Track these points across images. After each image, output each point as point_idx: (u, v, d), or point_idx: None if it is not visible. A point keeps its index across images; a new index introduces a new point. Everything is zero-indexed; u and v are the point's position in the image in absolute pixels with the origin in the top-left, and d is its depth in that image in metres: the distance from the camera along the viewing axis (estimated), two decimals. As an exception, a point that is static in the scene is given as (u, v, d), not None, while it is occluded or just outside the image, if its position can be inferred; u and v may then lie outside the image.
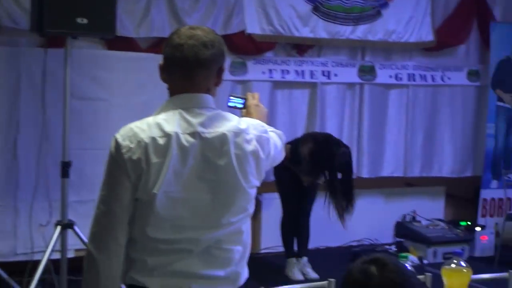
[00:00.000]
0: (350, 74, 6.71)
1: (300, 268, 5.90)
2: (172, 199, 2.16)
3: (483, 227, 6.98)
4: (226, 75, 6.30)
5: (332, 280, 2.92)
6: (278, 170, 5.83)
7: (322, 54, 6.65)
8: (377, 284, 1.88)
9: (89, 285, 2.21)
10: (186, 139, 2.17)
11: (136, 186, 2.14)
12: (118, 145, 2.15)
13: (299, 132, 6.57)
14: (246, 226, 2.31)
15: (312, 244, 6.19)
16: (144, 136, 2.15)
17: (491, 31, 7.11)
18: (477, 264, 6.29)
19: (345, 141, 6.75)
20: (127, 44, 5.72)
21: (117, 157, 2.15)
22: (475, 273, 3.21)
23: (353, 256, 6.15)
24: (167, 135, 2.15)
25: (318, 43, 6.53)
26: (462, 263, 2.43)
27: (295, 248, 6.00)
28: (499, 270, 3.89)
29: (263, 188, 6.44)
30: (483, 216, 7.16)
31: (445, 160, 7.29)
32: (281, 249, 6.25)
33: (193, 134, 2.18)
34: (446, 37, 7.01)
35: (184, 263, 2.19)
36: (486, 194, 7.18)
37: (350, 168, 5.88)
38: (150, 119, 2.21)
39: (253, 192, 2.27)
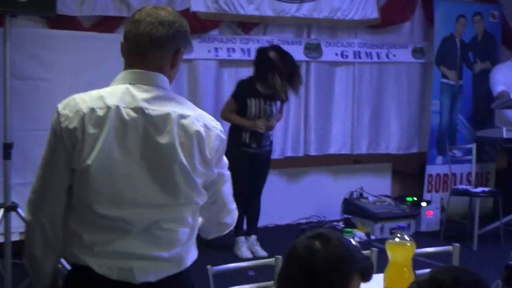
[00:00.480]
0: (296, 52, 6.66)
1: (248, 246, 5.90)
2: (110, 173, 2.12)
3: (429, 202, 7.08)
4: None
5: (279, 257, 2.92)
6: (230, 149, 5.79)
7: (267, 32, 6.62)
8: (321, 259, 1.88)
9: (26, 251, 2.23)
10: (127, 113, 2.14)
11: (71, 155, 2.12)
12: (58, 114, 2.15)
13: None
14: (192, 212, 2.25)
15: (261, 222, 6.20)
16: (84, 107, 2.13)
17: (435, 9, 7.18)
18: (423, 238, 6.41)
19: (292, 119, 6.79)
20: (70, 23, 5.60)
21: (55, 126, 2.15)
22: (421, 247, 3.25)
23: (301, 233, 6.17)
24: (107, 107, 2.13)
25: (263, 20, 6.49)
26: (406, 237, 2.45)
27: (244, 227, 5.99)
28: (444, 244, 3.95)
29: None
30: (429, 191, 7.27)
31: (392, 137, 7.36)
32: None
33: (136, 109, 2.14)
34: (391, 14, 7.05)
35: (124, 243, 2.15)
36: (431, 170, 7.28)
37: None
38: (95, 91, 2.19)
39: (200, 181, 2.21)
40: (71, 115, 2.13)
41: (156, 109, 2.15)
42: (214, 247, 6.05)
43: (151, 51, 2.19)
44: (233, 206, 2.46)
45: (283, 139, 6.75)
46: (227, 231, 2.51)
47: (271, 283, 2.94)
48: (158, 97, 2.18)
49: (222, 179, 2.36)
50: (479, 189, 6.67)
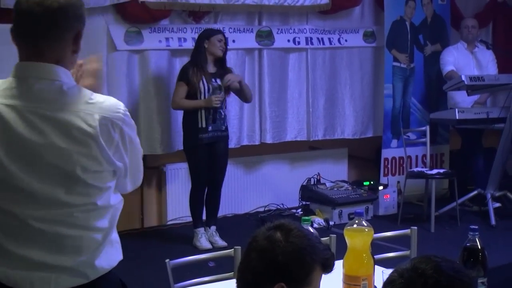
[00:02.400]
0: (248, 40, 6.66)
1: (208, 237, 5.87)
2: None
3: (385, 186, 7.12)
4: (122, 45, 6.18)
5: (238, 248, 2.90)
6: (187, 140, 5.76)
7: (219, 20, 6.56)
8: (283, 250, 1.86)
9: None
10: (3, 109, 2.02)
11: None
12: None
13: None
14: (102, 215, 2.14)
15: (219, 212, 6.17)
16: None
17: (384, -8, 7.20)
18: (381, 222, 6.47)
19: (246, 108, 6.76)
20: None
21: None
22: (379, 230, 3.25)
23: (260, 222, 6.16)
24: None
25: (214, 9, 6.43)
26: (364, 223, 2.44)
27: (203, 218, 5.95)
28: (402, 227, 3.98)
29: (167, 159, 6.42)
30: (385, 175, 7.31)
31: (347, 122, 7.37)
32: (188, 219, 6.20)
33: (12, 106, 2.03)
34: (341, -1, 7.05)
35: (22, 248, 2.05)
36: (387, 153, 7.32)
37: None
38: None
39: (93, 180, 2.08)
40: None
41: (37, 105, 2.03)
42: (172, 240, 6.01)
43: (42, 40, 2.07)
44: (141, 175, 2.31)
45: (239, 128, 6.71)
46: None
47: (231, 274, 2.91)
48: (45, 92, 2.05)
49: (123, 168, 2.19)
50: (434, 171, 6.73)
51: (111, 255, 2.17)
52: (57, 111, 2.03)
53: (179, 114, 6.27)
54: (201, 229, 5.87)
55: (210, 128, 5.71)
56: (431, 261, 1.62)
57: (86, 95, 2.10)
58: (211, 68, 5.79)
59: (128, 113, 2.16)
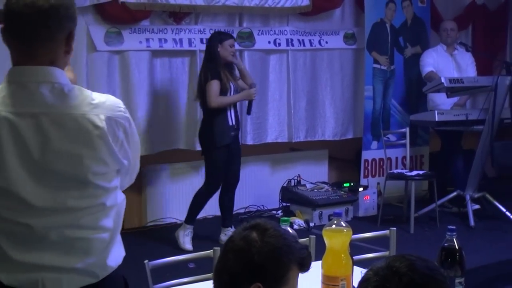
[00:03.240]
0: (229, 41, 6.65)
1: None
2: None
3: (365, 187, 7.15)
4: (102, 46, 6.15)
5: (217, 249, 2.89)
6: (219, 138, 5.76)
7: (199, 21, 6.55)
8: (259, 250, 1.86)
9: None
10: (12, 119, 2.00)
11: None
12: None
13: (181, 101, 6.48)
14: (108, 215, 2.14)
15: (200, 214, 6.16)
16: None
17: (365, -6, 7.23)
18: (361, 223, 6.49)
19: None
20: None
21: None
22: (359, 231, 3.26)
23: (240, 224, 6.15)
24: None
25: (194, 10, 6.41)
26: (342, 223, 2.45)
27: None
28: (382, 228, 3.99)
29: (147, 160, 6.40)
30: (365, 176, 7.33)
31: (327, 124, 7.39)
32: (168, 220, 6.19)
33: (18, 114, 2.00)
34: (322, 1, 7.06)
35: (33, 253, 2.04)
36: (367, 155, 7.34)
37: None
38: None
39: (102, 181, 2.08)
40: None
41: (54, 111, 2.01)
42: (152, 241, 5.99)
43: (37, 40, 2.03)
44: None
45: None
46: None
47: (210, 275, 2.90)
48: (48, 95, 2.02)
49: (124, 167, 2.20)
50: (414, 172, 6.77)
51: (117, 253, 2.18)
52: (63, 116, 2.02)
53: (161, 116, 6.27)
54: (192, 227, 5.86)
55: (235, 126, 5.88)
56: (406, 259, 1.62)
57: (88, 95, 2.09)
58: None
59: (127, 109, 2.18)
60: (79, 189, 2.05)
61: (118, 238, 2.20)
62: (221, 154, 5.81)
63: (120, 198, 2.19)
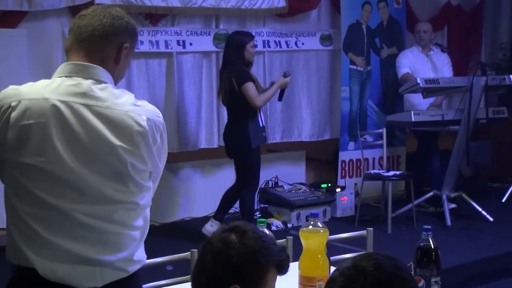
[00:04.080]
0: (206, 43, 6.65)
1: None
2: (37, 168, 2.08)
3: (343, 188, 7.17)
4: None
5: (195, 251, 2.89)
6: (255, 140, 5.82)
7: (176, 23, 6.54)
8: (237, 252, 1.86)
9: None
10: (67, 107, 2.10)
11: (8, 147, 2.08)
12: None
13: (159, 104, 6.46)
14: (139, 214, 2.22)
15: (177, 216, 6.17)
16: (23, 98, 2.10)
17: (341, -4, 7.25)
18: (338, 223, 6.51)
19: (204, 110, 6.75)
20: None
21: None
22: (337, 232, 3.28)
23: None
24: (45, 100, 2.09)
25: (171, 12, 6.41)
26: (319, 224, 2.45)
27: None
28: (359, 228, 4.00)
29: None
30: (343, 177, 7.35)
31: (304, 125, 7.41)
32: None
33: (66, 103, 2.10)
34: (298, 2, 7.08)
35: (70, 244, 2.10)
36: (344, 155, 7.37)
37: None
38: (32, 83, 2.17)
39: (140, 178, 2.16)
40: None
41: (99, 105, 2.11)
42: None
43: (93, 41, 2.17)
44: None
45: (196, 131, 6.70)
46: None
47: (188, 277, 2.90)
48: (98, 90, 2.13)
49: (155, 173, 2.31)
50: (391, 173, 6.80)
51: (142, 252, 2.25)
52: (109, 109, 2.12)
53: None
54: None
55: (264, 127, 5.95)
56: (372, 258, 1.62)
57: (131, 97, 2.21)
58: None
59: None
60: (118, 182, 2.12)
61: (143, 239, 2.26)
62: (256, 155, 5.88)
63: (149, 200, 2.26)
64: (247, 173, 5.89)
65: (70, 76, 2.15)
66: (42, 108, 2.07)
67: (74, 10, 5.89)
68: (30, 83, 2.15)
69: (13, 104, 2.07)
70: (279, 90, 6.00)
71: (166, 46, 6.42)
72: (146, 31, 6.32)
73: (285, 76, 5.96)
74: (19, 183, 2.08)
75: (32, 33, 5.70)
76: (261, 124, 5.88)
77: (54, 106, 2.08)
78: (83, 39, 2.18)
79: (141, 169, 2.16)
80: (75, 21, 2.21)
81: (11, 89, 2.12)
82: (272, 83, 6.02)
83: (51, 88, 2.11)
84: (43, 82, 2.15)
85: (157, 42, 6.37)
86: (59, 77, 2.16)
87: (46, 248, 2.08)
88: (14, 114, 2.06)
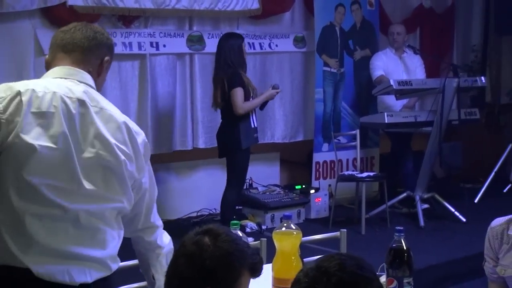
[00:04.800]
0: (179, 44, 6.62)
1: None
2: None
3: (317, 189, 7.18)
4: (50, 50, 6.02)
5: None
6: (246, 140, 5.88)
7: (149, 25, 6.51)
8: (211, 255, 1.85)
9: None
10: (70, 102, 2.19)
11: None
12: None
13: (132, 106, 6.43)
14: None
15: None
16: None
17: (314, -2, 7.27)
18: (313, 225, 6.52)
19: (178, 111, 6.73)
20: None
21: None
22: (311, 234, 3.29)
23: (193, 228, 6.13)
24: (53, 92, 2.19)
25: (144, 13, 6.37)
26: (292, 226, 2.46)
27: None
28: (333, 230, 4.01)
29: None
30: (317, 179, 7.36)
31: (277, 126, 7.41)
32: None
33: (77, 100, 2.21)
34: (271, 4, 7.08)
35: (62, 239, 2.14)
36: (318, 157, 7.38)
37: None
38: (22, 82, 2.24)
39: (129, 178, 2.26)
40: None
41: (97, 106, 2.22)
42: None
43: (79, 52, 2.28)
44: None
45: (170, 133, 6.67)
46: None
47: (162, 280, 2.88)
48: (93, 93, 2.24)
49: (143, 186, 2.38)
50: (365, 174, 6.83)
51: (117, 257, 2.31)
52: (106, 110, 2.24)
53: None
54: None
55: (257, 128, 6.02)
56: (335, 259, 1.63)
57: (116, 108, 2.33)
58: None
59: None
60: (111, 178, 2.20)
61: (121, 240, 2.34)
62: (245, 156, 5.92)
63: (131, 205, 2.31)
64: (234, 173, 5.97)
65: (66, 78, 2.24)
66: (53, 99, 2.14)
67: (45, 12, 5.84)
68: (23, 81, 2.20)
69: (22, 90, 2.12)
70: None
71: (139, 47, 6.39)
72: (119, 33, 6.28)
73: (273, 88, 6.08)
74: (18, 174, 2.09)
75: (2, 35, 5.65)
76: (253, 125, 5.96)
77: (62, 99, 2.16)
78: (69, 50, 2.29)
79: (132, 170, 2.25)
80: (57, 35, 2.33)
81: (4, 84, 2.17)
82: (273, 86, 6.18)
83: (54, 85, 2.20)
84: (41, 80, 2.24)
85: (130, 43, 6.33)
86: (54, 78, 2.25)
87: (39, 247, 2.09)
88: (25, 99, 2.11)
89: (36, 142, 2.08)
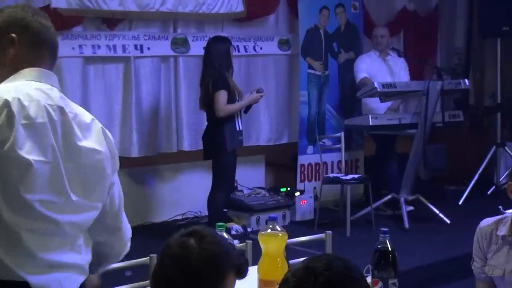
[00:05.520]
0: (163, 47, 6.62)
1: None
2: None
3: (302, 191, 7.19)
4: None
5: (154, 255, 2.88)
6: (230, 143, 5.91)
7: (133, 27, 6.50)
8: (196, 257, 1.85)
9: None
10: (49, 109, 2.10)
11: None
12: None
13: (116, 108, 6.41)
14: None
15: (136, 221, 6.12)
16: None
17: (298, 1, 7.29)
18: (298, 227, 6.53)
19: (163, 114, 6.73)
20: None
21: None
22: (296, 236, 3.29)
23: (178, 230, 6.12)
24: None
25: (128, 16, 6.36)
26: (278, 228, 2.46)
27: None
28: (318, 232, 4.02)
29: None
30: (302, 181, 7.37)
31: (262, 129, 7.42)
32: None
33: (55, 107, 2.11)
34: (256, 7, 7.09)
35: (56, 249, 2.11)
36: (303, 159, 7.39)
37: None
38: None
39: (106, 183, 2.24)
40: None
41: (72, 111, 2.14)
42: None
43: (53, 50, 2.21)
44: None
45: (155, 135, 6.66)
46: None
47: (147, 282, 2.88)
48: (64, 98, 2.16)
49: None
50: (350, 176, 6.84)
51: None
52: (80, 116, 2.17)
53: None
54: None
55: (241, 130, 6.04)
56: (322, 259, 1.65)
57: None
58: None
59: None
60: (95, 186, 2.16)
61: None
62: (231, 157, 5.96)
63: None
64: (221, 175, 6.00)
65: (39, 81, 2.13)
66: (38, 109, 2.04)
67: (29, 14, 5.81)
68: (2, 85, 2.10)
69: (9, 99, 2.00)
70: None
71: (124, 50, 6.38)
72: (103, 35, 6.27)
73: (258, 92, 6.10)
74: (13, 191, 2.00)
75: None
76: (237, 128, 6.00)
77: (46, 108, 2.06)
78: (49, 51, 2.21)
79: (109, 172, 2.21)
80: (41, 29, 2.19)
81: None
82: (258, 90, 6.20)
83: (33, 90, 2.07)
84: (19, 84, 2.10)
85: (114, 46, 6.32)
86: (28, 80, 2.12)
87: (35, 261, 2.05)
88: (15, 110, 1.99)
89: (31, 157, 1.99)
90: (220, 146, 5.90)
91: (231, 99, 5.89)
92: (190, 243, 1.88)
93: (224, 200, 6.12)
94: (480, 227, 3.03)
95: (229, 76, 5.94)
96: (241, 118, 6.08)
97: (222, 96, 5.82)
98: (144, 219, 6.64)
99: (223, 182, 6.03)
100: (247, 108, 6.17)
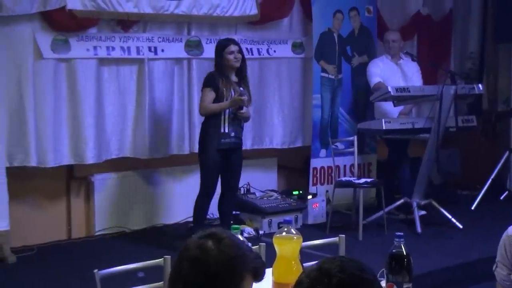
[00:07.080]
0: (177, 49, 6.64)
1: None
2: None
3: (314, 195, 7.19)
4: (49, 54, 6.07)
5: (168, 257, 2.88)
6: (209, 144, 5.84)
7: (147, 29, 6.52)
8: (214, 259, 1.85)
9: None
10: None
11: None
12: None
13: (129, 110, 6.44)
14: None
15: (149, 222, 6.13)
16: None
17: (312, 4, 7.29)
18: (310, 230, 6.52)
19: (176, 116, 6.73)
20: None
21: None
22: (308, 239, 3.28)
23: (190, 232, 6.13)
24: None
25: (142, 18, 6.38)
26: (293, 231, 2.47)
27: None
28: (331, 235, 4.01)
29: (95, 169, 6.33)
30: (314, 184, 7.37)
31: (275, 132, 7.42)
32: (117, 230, 6.13)
33: None
34: (270, 10, 7.10)
35: None
36: (316, 163, 7.39)
37: None
38: None
39: None
40: None
41: None
42: (102, 251, 5.91)
43: None
44: None
45: (167, 137, 6.67)
46: None
47: (160, 284, 2.89)
48: None
49: None
50: (362, 180, 6.83)
51: None
52: None
53: (108, 123, 6.22)
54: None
55: (232, 134, 5.89)
56: (336, 261, 1.65)
57: None
58: (234, 78, 5.94)
59: None
60: None
61: None
62: (210, 158, 5.86)
63: None
64: (201, 173, 5.98)
65: None
66: None
67: (45, 16, 5.85)
68: None
69: None
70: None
71: (138, 52, 6.40)
72: (118, 37, 6.29)
73: (240, 94, 5.82)
74: None
75: (2, 38, 5.66)
76: (223, 130, 5.85)
77: None
78: None
79: None
80: None
81: None
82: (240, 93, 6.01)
83: None
84: None
85: (128, 48, 6.34)
86: None
87: None
88: None
89: None
90: (202, 146, 5.92)
91: (217, 100, 5.82)
92: (208, 245, 1.88)
93: (202, 201, 5.97)
94: (508, 234, 2.91)
95: (222, 77, 5.85)
96: (231, 122, 5.87)
97: (206, 94, 5.81)
98: (156, 221, 6.66)
99: (203, 182, 5.96)
100: (240, 112, 5.87)
